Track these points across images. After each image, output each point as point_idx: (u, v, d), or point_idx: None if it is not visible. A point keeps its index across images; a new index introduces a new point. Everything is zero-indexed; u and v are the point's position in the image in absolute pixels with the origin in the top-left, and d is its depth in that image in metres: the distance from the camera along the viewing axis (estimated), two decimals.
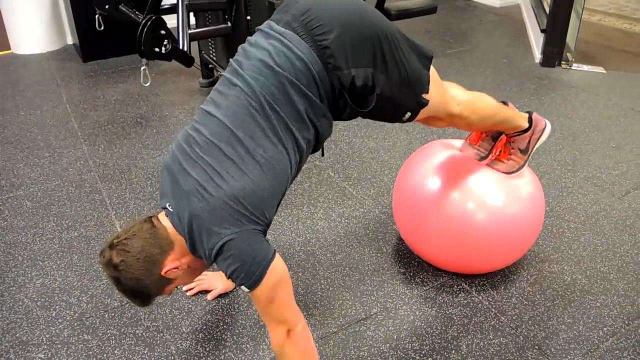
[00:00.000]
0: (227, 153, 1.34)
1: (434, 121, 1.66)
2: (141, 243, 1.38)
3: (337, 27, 1.34)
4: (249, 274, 1.32)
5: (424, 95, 1.51)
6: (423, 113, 1.55)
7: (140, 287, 1.41)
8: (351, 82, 1.37)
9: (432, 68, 1.55)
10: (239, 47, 1.47)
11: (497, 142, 1.93)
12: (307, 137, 1.41)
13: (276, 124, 1.35)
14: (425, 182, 1.92)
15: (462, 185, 1.85)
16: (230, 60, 1.45)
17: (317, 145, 1.49)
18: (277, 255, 1.37)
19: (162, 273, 1.41)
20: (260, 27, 1.46)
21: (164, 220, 1.44)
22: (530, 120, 1.86)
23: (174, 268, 1.42)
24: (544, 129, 1.89)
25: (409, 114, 1.53)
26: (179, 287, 2.00)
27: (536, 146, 1.90)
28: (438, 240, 1.91)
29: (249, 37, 1.47)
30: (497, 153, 1.92)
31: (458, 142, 2.04)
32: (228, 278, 1.36)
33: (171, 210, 1.40)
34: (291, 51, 1.34)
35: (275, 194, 1.38)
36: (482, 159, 1.94)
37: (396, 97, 1.46)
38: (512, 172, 1.88)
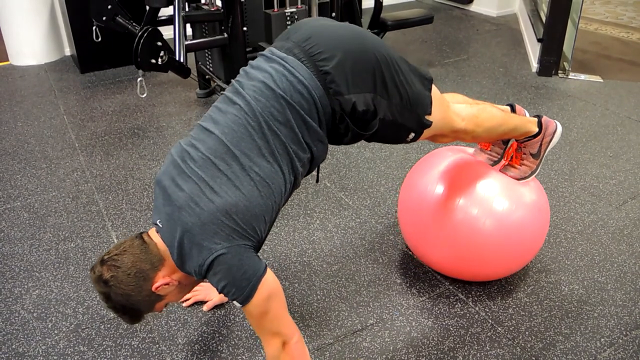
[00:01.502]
0: (221, 169, 1.34)
1: (439, 138, 1.68)
2: (132, 259, 1.38)
3: (338, 53, 1.37)
4: (240, 289, 1.31)
5: (426, 117, 1.53)
6: (427, 133, 1.57)
7: (130, 303, 1.41)
8: (352, 107, 1.39)
9: (433, 87, 1.57)
10: (241, 69, 1.50)
11: (508, 148, 1.93)
12: (303, 159, 1.42)
13: (273, 144, 1.36)
14: (432, 187, 1.92)
15: (470, 191, 1.84)
16: (232, 80, 1.48)
17: (311, 167, 1.50)
18: (269, 270, 1.37)
19: (153, 289, 1.41)
20: (262, 52, 1.48)
21: (154, 236, 1.44)
22: (539, 125, 1.86)
23: (165, 284, 1.42)
24: (555, 131, 1.89)
25: (412, 135, 1.55)
26: None
27: (548, 149, 1.90)
28: (444, 245, 1.90)
29: (250, 61, 1.50)
30: (509, 159, 1.93)
31: (467, 149, 2.06)
32: (220, 293, 1.35)
33: (161, 226, 1.40)
34: (293, 75, 1.36)
35: (268, 211, 1.38)
36: (494, 163, 1.94)
37: (398, 121, 1.48)
38: (525, 178, 1.88)
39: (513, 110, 1.95)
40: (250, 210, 1.33)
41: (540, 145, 1.88)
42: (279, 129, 1.36)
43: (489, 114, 1.74)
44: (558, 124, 1.92)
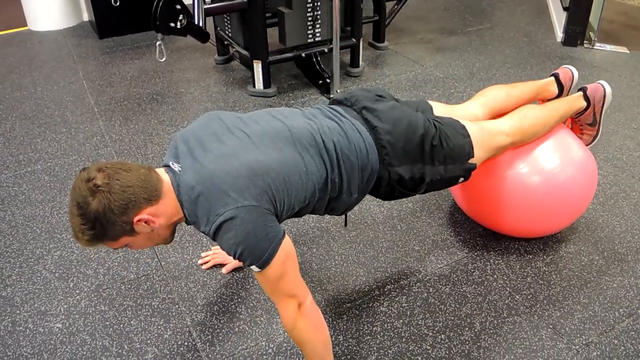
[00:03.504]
0: (276, 143, 1.40)
1: (491, 158, 1.79)
2: (134, 179, 1.28)
3: (393, 128, 1.56)
4: (261, 251, 1.28)
5: (470, 161, 1.67)
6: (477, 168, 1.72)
7: (105, 220, 1.26)
8: (400, 177, 1.58)
9: (470, 127, 1.68)
10: (314, 106, 1.66)
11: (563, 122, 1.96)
12: (333, 193, 1.51)
13: (323, 161, 1.46)
14: None
15: (522, 150, 1.86)
16: (313, 108, 1.65)
17: (328, 206, 1.55)
18: (286, 235, 1.36)
19: (134, 219, 1.29)
20: (332, 106, 1.66)
21: (162, 174, 1.36)
22: (586, 98, 1.87)
23: (146, 222, 1.31)
24: (605, 94, 1.91)
25: (462, 179, 1.70)
26: (194, 260, 2.02)
27: (603, 113, 1.93)
28: (491, 198, 1.92)
29: (321, 104, 1.67)
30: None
31: None
32: (236, 258, 1.30)
33: (176, 169, 1.34)
34: (361, 136, 1.53)
35: (297, 198, 1.41)
36: None
37: (445, 177, 1.65)
38: (589, 145, 1.97)
39: (557, 79, 1.94)
40: (286, 184, 1.36)
41: (594, 113, 1.91)
42: (335, 156, 1.47)
43: (532, 119, 1.80)
44: (605, 85, 1.93)
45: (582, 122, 1.93)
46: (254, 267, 1.32)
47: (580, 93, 1.90)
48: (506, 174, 1.86)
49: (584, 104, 1.89)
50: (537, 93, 1.94)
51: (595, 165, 1.95)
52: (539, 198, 1.85)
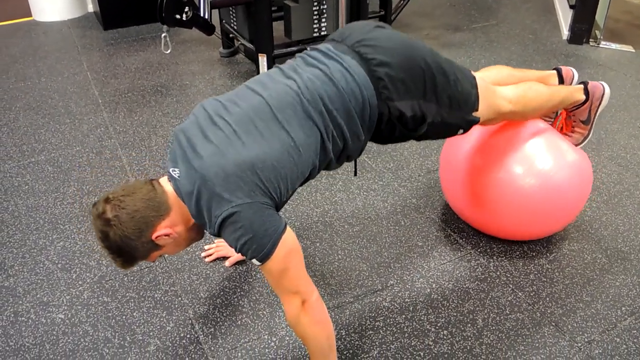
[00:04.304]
0: (257, 126, 1.34)
1: (488, 122, 1.72)
2: (139, 203, 1.34)
3: (391, 60, 1.43)
4: (260, 245, 1.29)
5: (474, 114, 1.59)
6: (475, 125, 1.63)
7: (127, 246, 1.36)
8: (400, 113, 1.45)
9: (479, 80, 1.60)
10: (297, 55, 1.54)
11: (557, 118, 1.92)
12: (336, 148, 1.44)
13: (313, 123, 1.38)
14: (474, 145, 1.93)
15: (513, 149, 1.84)
16: (289, 61, 1.53)
17: (340, 159, 1.50)
18: (288, 228, 1.35)
19: (153, 237, 1.37)
20: (317, 47, 1.52)
21: (165, 184, 1.41)
22: (586, 92, 1.85)
23: (165, 235, 1.38)
24: (603, 94, 1.88)
25: (461, 130, 1.62)
26: (197, 253, 2.02)
27: (598, 113, 1.90)
28: (485, 203, 1.91)
29: (306, 51, 1.54)
30: (560, 129, 1.92)
31: None
32: (238, 252, 1.32)
33: (176, 175, 1.36)
34: (349, 73, 1.41)
35: (293, 176, 1.37)
36: None
37: (447, 121, 1.55)
38: (579, 144, 1.91)
39: (560, 74, 1.93)
40: (276, 170, 1.32)
41: (590, 111, 1.88)
42: (325, 111, 1.39)
43: (535, 92, 1.76)
44: (605, 86, 1.90)
45: (576, 118, 1.90)
46: (254, 261, 1.32)
47: (582, 86, 1.88)
48: (498, 176, 1.85)
49: (583, 97, 1.86)
50: (538, 80, 1.90)
51: (590, 167, 1.94)
52: (532, 201, 1.83)
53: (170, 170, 1.38)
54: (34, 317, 1.78)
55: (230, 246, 1.33)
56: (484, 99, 1.59)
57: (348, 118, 1.42)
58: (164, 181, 1.42)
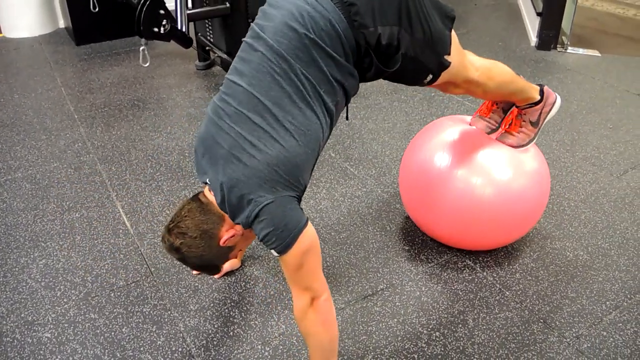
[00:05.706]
0: (257, 122, 1.32)
1: (452, 88, 1.66)
2: (194, 222, 1.45)
3: None
4: (280, 238, 1.33)
5: (446, 57, 1.50)
6: (443, 77, 1.54)
7: (205, 260, 1.51)
8: (377, 41, 1.35)
9: (452, 30, 1.53)
10: (259, 10, 1.43)
11: (507, 115, 1.94)
12: (336, 98, 1.39)
13: (302, 88, 1.33)
14: (433, 157, 1.92)
15: (469, 160, 1.86)
16: (251, 24, 1.42)
17: (346, 102, 1.46)
18: (309, 224, 1.38)
19: (221, 244, 1.48)
20: None
21: (209, 195, 1.48)
22: (542, 93, 1.88)
23: (231, 237, 1.49)
24: (555, 102, 1.91)
25: (430, 76, 1.52)
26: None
27: (546, 119, 1.92)
28: (444, 216, 1.92)
29: None
30: (508, 125, 1.93)
31: (467, 117, 2.05)
32: (261, 241, 1.37)
33: (210, 184, 1.43)
34: (315, 10, 1.31)
35: (309, 159, 1.38)
36: (492, 131, 1.95)
37: (419, 58, 1.45)
38: (522, 146, 1.90)
39: (542, 90, 1.96)
40: (292, 161, 1.33)
41: (540, 113, 1.90)
42: (306, 71, 1.32)
43: (501, 70, 1.75)
44: (558, 96, 1.94)
45: (527, 118, 1.90)
46: (273, 252, 1.37)
47: (539, 87, 1.91)
48: (459, 187, 1.86)
49: (539, 97, 1.88)
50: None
51: (549, 176, 1.98)
52: (489, 211, 1.85)
53: (207, 180, 1.45)
54: (19, 337, 1.74)
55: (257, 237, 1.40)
56: (455, 50, 1.53)
57: (332, 62, 1.34)
58: (207, 192, 1.50)
